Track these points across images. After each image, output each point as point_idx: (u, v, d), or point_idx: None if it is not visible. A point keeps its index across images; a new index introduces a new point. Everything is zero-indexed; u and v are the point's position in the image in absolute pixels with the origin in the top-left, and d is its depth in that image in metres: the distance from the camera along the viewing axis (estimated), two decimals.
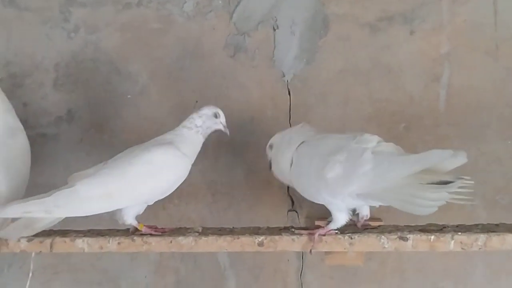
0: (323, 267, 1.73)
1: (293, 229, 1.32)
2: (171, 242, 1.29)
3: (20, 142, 1.45)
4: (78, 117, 1.81)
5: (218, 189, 1.77)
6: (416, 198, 1.15)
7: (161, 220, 1.71)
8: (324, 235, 1.26)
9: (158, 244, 1.29)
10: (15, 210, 1.25)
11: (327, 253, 1.32)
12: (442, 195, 1.14)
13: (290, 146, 1.35)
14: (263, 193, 1.75)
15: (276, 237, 1.27)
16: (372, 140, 1.24)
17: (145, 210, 1.71)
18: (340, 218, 1.26)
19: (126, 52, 1.80)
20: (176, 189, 1.41)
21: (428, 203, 1.15)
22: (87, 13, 1.81)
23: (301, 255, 1.75)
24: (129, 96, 1.80)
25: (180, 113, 1.75)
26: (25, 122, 1.81)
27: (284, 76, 1.76)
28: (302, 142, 1.35)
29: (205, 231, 1.34)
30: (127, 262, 1.78)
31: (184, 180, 1.41)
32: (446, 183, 1.13)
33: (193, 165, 1.42)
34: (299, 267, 1.76)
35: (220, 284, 1.78)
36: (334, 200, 1.24)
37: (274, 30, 1.77)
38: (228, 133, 1.48)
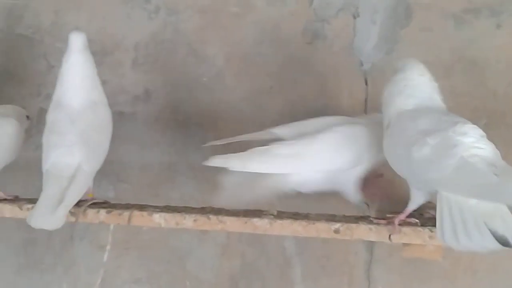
0: (392, 262, 1.70)
1: (370, 218, 1.30)
2: (246, 223, 1.29)
3: (102, 115, 1.47)
4: (154, 97, 1.84)
5: None
6: (465, 228, 1.05)
7: None
8: (404, 220, 1.22)
9: (232, 224, 1.29)
10: (218, 162, 1.33)
11: (404, 245, 1.29)
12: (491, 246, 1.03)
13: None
14: None
15: (353, 225, 1.25)
16: (472, 134, 1.14)
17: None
18: (418, 197, 1.20)
19: (204, 34, 1.81)
20: None
21: (471, 244, 1.04)
22: None
23: (371, 249, 1.72)
24: (204, 79, 1.81)
25: (255, 98, 1.76)
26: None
27: (362, 65, 1.73)
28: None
29: (280, 215, 1.33)
30: (195, 242, 1.80)
31: None
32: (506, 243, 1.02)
33: None
34: (367, 260, 1.73)
35: (286, 271, 1.77)
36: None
37: (354, 18, 1.74)
38: None
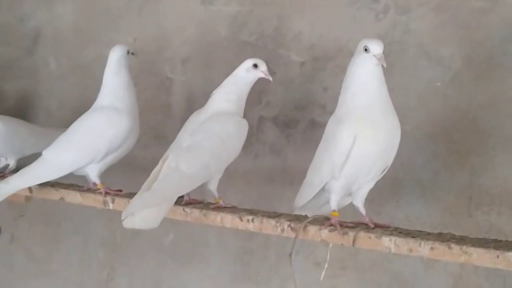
0: None
1: None
2: (497, 257, 1.05)
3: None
4: None
5: None
6: None
7: (464, 228, 1.48)
8: None
9: (480, 257, 1.06)
10: None
11: None
12: None
13: None
14: None
15: None
16: None
17: (446, 216, 1.52)
18: None
19: (439, 34, 1.60)
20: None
21: None
22: None
23: None
24: (438, 84, 1.59)
25: (499, 106, 1.50)
26: (323, 107, 1.77)
27: None
28: None
29: None
30: (421, 268, 1.59)
31: None
32: None
33: None
34: None
35: None
36: None
37: None
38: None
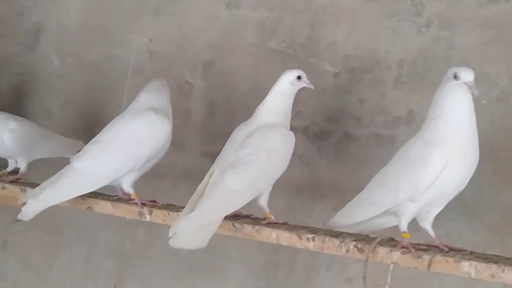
0: None
1: None
2: None
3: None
4: (419, 120, 1.65)
5: None
6: None
7: (509, 248, 1.48)
8: None
9: None
10: None
11: None
12: None
13: None
14: None
15: None
16: None
17: (489, 234, 1.51)
18: None
19: (485, 51, 1.58)
20: None
21: None
22: (443, 7, 1.63)
23: None
24: (483, 102, 1.58)
25: None
26: (358, 119, 1.74)
27: None
28: None
29: None
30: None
31: None
32: None
33: None
34: None
35: None
36: None
37: None
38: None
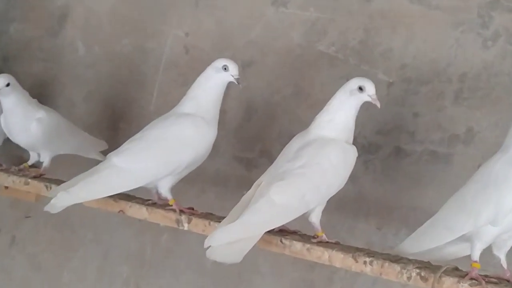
0: None
1: None
2: None
3: None
4: (479, 139, 1.54)
5: None
6: None
7: None
8: None
9: None
10: None
11: None
12: None
13: None
14: None
15: None
16: None
17: None
18: None
19: None
20: None
21: None
22: None
23: None
24: None
25: None
26: (412, 134, 1.62)
27: None
28: None
29: None
30: None
31: None
32: None
33: None
34: None
35: None
36: None
37: None
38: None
